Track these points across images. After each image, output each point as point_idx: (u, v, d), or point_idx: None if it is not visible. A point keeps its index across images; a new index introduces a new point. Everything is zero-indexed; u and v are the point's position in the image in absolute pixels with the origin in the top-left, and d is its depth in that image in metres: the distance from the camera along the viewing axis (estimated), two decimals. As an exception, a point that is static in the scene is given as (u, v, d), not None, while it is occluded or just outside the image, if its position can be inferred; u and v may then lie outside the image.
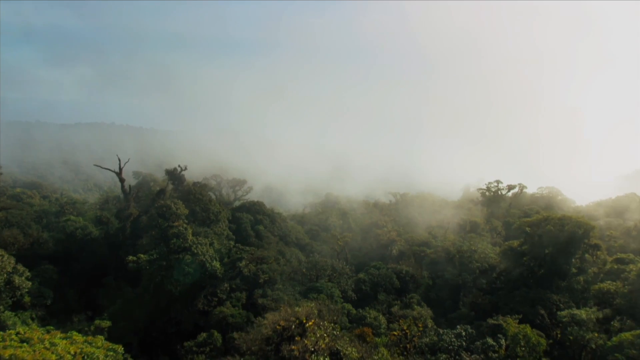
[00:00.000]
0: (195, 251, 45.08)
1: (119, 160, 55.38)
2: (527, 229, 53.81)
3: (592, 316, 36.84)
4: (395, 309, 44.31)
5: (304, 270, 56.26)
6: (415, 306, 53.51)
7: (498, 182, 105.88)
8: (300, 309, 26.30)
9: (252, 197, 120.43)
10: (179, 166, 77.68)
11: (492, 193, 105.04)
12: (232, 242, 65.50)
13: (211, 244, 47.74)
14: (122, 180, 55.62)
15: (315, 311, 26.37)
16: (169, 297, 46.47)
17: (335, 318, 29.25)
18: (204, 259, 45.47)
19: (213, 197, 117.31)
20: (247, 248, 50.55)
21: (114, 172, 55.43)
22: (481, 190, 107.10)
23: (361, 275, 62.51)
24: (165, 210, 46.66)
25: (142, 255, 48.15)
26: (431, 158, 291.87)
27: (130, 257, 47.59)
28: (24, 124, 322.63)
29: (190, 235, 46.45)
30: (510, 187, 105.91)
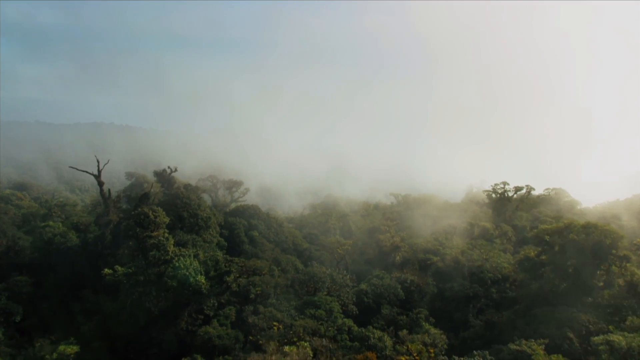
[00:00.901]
0: (177, 264, 39.39)
1: (97, 161, 49.76)
2: (547, 237, 48.04)
3: (634, 343, 31.14)
4: (403, 333, 38.50)
5: (300, 283, 50.60)
6: (424, 323, 47.84)
7: (504, 183, 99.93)
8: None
9: (249, 198, 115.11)
10: (168, 167, 72.24)
11: (498, 195, 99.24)
12: (222, 251, 59.89)
13: (196, 256, 42.03)
14: (100, 184, 49.98)
15: (311, 353, 20.76)
16: (149, 315, 40.83)
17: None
18: (187, 273, 39.80)
19: (208, 199, 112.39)
20: (236, 260, 44.81)
21: (92, 174, 49.83)
22: (487, 192, 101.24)
23: (363, 286, 56.85)
24: (143, 218, 41.04)
25: (119, 268, 42.50)
26: (432, 158, 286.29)
27: (107, 270, 41.95)
28: (21, 123, 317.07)
29: (172, 246, 40.76)
30: (517, 189, 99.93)
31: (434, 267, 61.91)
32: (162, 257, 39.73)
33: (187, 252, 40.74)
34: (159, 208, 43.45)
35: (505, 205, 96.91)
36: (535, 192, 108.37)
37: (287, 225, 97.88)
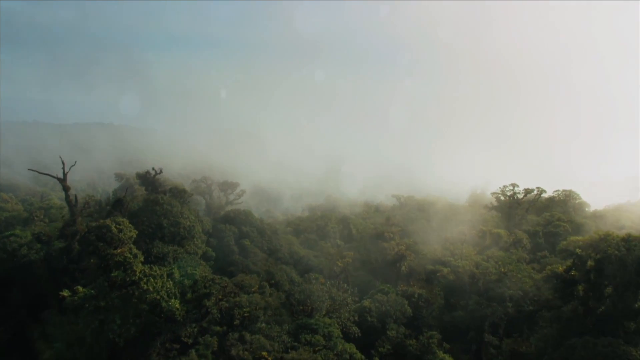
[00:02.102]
0: (146, 287, 32.20)
1: (63, 163, 42.55)
2: (578, 250, 40.81)
3: None
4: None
5: (295, 302, 43.42)
6: (437, 350, 40.67)
7: (514, 185, 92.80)
8: None
9: (244, 200, 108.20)
10: (152, 169, 64.93)
11: (507, 198, 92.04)
12: (210, 263, 52.73)
13: (170, 275, 34.82)
14: (66, 189, 42.74)
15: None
16: (114, 347, 33.69)
17: None
18: (159, 297, 32.64)
19: (202, 202, 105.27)
20: (218, 279, 37.55)
21: (56, 177, 42.69)
22: (495, 195, 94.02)
23: (366, 302, 49.66)
24: (105, 231, 33.96)
25: (80, 289, 35.29)
26: (433, 158, 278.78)
27: (65, 292, 34.76)
28: (22, 124, 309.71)
29: (140, 264, 33.55)
30: (527, 191, 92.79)
31: (444, 280, 54.73)
32: (128, 278, 32.53)
33: (158, 272, 33.51)
34: (125, 220, 36.21)
35: (515, 209, 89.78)
36: (543, 194, 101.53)
37: (284, 229, 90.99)
